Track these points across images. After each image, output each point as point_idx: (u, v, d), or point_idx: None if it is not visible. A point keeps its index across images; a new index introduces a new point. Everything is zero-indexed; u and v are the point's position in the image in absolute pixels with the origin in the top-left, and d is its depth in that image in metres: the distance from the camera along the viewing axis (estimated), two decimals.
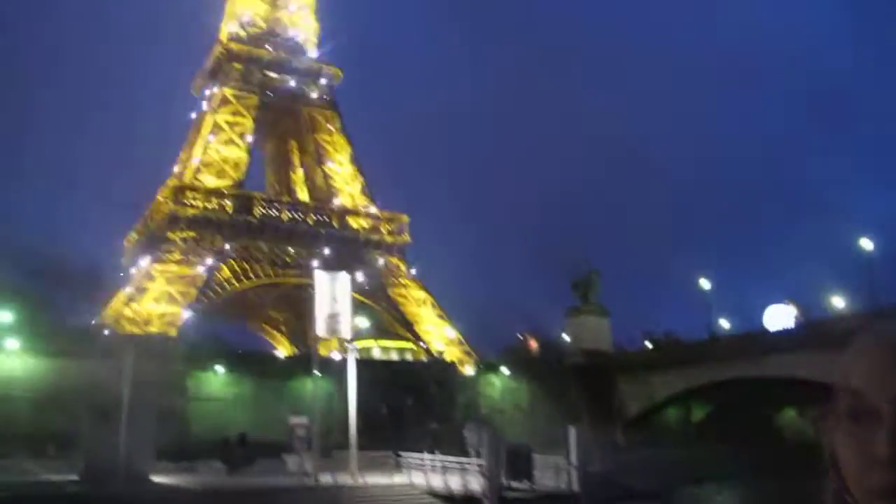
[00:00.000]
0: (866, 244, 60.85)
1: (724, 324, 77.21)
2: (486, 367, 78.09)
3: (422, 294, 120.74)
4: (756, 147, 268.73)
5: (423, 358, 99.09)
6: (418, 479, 41.23)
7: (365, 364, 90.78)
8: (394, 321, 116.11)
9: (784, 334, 64.22)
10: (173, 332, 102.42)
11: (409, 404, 67.01)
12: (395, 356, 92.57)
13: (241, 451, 46.74)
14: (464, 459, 38.94)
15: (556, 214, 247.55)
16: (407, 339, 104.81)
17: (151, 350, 55.82)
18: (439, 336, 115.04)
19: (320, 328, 38.29)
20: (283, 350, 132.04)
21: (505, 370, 75.27)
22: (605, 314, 77.23)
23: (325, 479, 40.06)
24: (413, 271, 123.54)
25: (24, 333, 64.89)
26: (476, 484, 36.16)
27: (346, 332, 39.03)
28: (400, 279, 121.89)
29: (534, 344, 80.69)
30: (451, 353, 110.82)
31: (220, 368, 65.64)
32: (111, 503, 35.37)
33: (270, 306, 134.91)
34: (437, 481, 39.46)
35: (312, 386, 66.63)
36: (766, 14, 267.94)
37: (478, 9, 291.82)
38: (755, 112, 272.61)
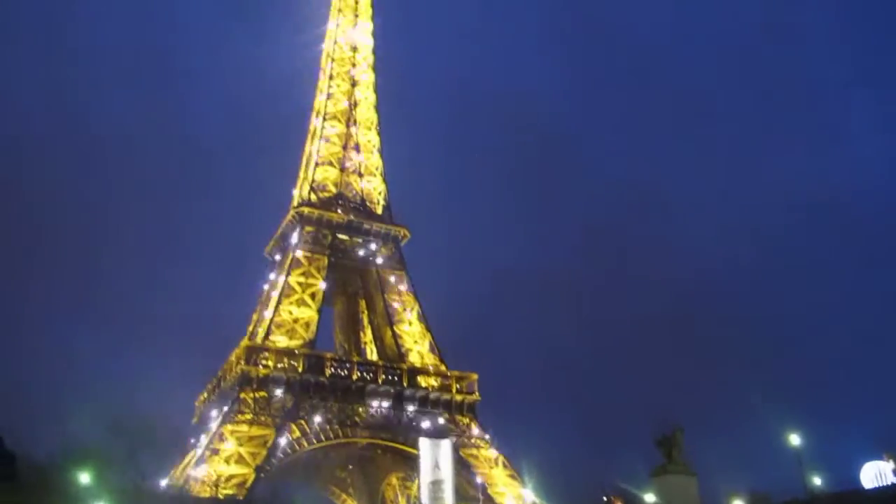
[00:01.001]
0: None
1: (816, 481, 73.93)
2: None
3: (493, 453, 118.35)
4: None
5: None
6: None
7: None
8: (465, 483, 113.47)
9: (885, 492, 61.18)
10: (242, 494, 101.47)
11: None
12: None
13: None
14: None
15: (634, 370, 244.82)
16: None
17: None
18: (514, 497, 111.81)
19: (424, 495, 37.46)
20: None
21: None
22: (693, 473, 74.23)
23: None
24: (486, 435, 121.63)
25: (105, 497, 64.63)
26: None
27: (449, 500, 38.18)
28: (470, 439, 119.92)
29: None
30: None
31: None
32: None
33: (339, 467, 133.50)
34: None
35: None
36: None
37: (544, 178, 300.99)
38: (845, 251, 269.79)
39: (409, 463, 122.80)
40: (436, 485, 39.74)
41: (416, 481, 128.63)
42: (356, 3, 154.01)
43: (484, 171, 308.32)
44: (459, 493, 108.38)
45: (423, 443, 40.49)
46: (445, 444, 40.57)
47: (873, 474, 67.05)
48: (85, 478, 71.53)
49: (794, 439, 72.53)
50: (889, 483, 63.45)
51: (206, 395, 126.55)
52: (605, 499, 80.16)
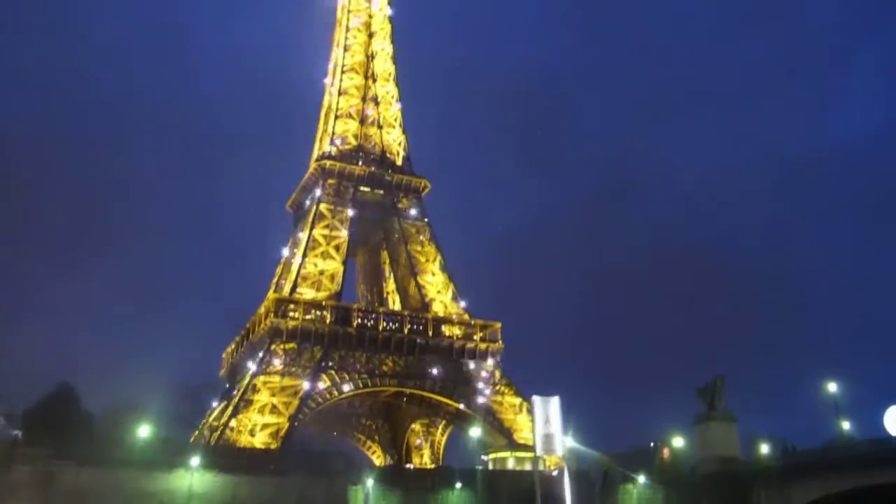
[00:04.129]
0: None
1: (845, 425, 76.46)
2: (623, 476, 77.70)
3: (517, 400, 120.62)
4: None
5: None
6: None
7: (501, 476, 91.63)
8: (491, 429, 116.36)
9: None
10: (277, 443, 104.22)
11: None
12: (528, 466, 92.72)
13: None
14: None
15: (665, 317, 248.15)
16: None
17: (319, 467, 57.49)
18: None
19: (538, 446, 39.94)
20: (376, 459, 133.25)
21: (641, 479, 75.34)
22: (733, 420, 77.00)
23: None
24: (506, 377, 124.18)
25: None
26: None
27: (559, 451, 40.64)
28: (495, 386, 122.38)
29: (667, 452, 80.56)
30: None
31: (369, 482, 67.06)
32: None
33: (364, 415, 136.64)
34: None
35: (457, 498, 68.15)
36: None
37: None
38: None
39: (433, 410, 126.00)
40: (548, 437, 41.97)
41: (440, 427, 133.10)
42: None
43: (486, 138, 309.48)
44: (489, 438, 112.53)
45: (536, 400, 42.73)
46: (554, 401, 42.62)
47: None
48: (144, 431, 75.17)
49: (831, 387, 75.14)
50: None
51: (233, 346, 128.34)
52: (652, 444, 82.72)
